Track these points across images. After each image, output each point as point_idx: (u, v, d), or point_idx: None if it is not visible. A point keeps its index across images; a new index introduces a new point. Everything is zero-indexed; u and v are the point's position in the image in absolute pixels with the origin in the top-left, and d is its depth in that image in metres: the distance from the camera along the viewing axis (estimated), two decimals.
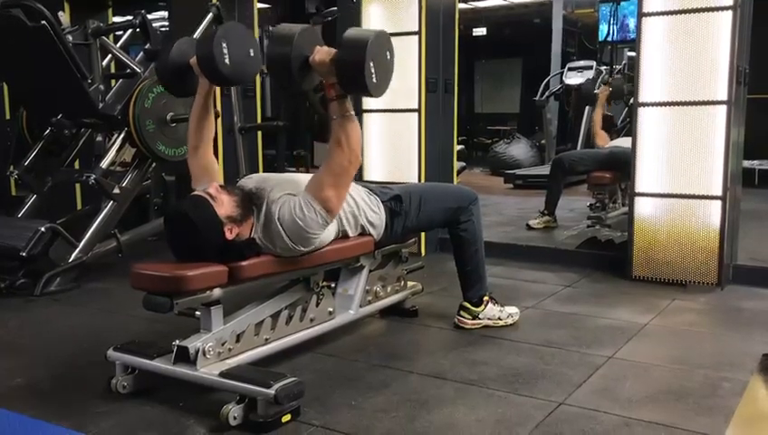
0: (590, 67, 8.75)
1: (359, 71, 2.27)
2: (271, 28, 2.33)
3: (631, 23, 9.59)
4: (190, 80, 2.62)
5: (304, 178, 2.72)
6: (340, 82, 2.35)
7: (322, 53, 2.34)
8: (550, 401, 2.32)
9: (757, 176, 7.73)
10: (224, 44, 2.45)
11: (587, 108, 7.76)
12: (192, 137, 2.69)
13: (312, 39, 2.37)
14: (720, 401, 2.33)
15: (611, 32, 9.49)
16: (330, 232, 2.61)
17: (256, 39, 2.66)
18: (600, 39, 10.91)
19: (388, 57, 2.42)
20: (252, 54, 2.59)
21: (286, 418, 2.15)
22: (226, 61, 2.46)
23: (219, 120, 4.99)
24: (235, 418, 2.12)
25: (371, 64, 2.28)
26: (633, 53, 7.90)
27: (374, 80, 2.31)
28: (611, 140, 6.47)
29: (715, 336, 3.11)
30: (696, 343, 2.98)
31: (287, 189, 2.53)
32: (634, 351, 2.83)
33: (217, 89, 3.52)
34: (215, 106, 4.81)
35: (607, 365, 2.66)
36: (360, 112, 4.90)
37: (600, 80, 8.41)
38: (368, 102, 4.74)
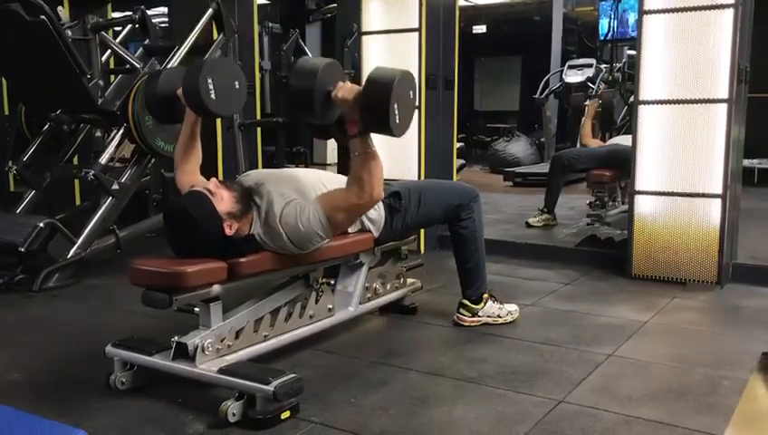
0: (591, 65, 8.73)
1: (383, 112, 2.26)
2: (295, 62, 2.33)
3: (631, 17, 9.57)
4: (177, 109, 2.67)
5: (304, 173, 2.72)
6: (362, 120, 2.33)
7: (345, 90, 2.32)
8: (549, 398, 2.32)
9: (757, 175, 7.73)
10: (209, 79, 2.49)
11: (587, 104, 7.76)
12: (180, 162, 2.71)
13: (335, 74, 2.37)
14: (720, 399, 2.32)
15: (611, 27, 9.46)
16: (327, 238, 2.61)
17: (241, 72, 2.68)
18: (600, 37, 10.90)
19: (411, 96, 2.41)
20: (237, 87, 2.65)
21: (285, 414, 2.14)
22: (212, 96, 2.50)
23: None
24: (233, 414, 2.12)
25: (395, 105, 2.27)
26: (633, 52, 7.90)
27: (397, 120, 2.30)
28: (611, 138, 6.48)
29: (714, 335, 3.11)
30: (695, 342, 2.98)
31: (289, 188, 2.52)
32: (634, 349, 2.82)
33: None
34: None
35: (606, 363, 2.66)
36: None
37: (600, 77, 8.42)
38: None
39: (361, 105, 2.30)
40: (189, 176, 2.69)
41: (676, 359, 2.72)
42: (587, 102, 6.41)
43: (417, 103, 2.45)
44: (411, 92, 2.40)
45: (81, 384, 2.46)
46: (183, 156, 2.70)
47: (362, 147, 2.38)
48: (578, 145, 6.96)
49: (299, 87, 2.33)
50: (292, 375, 2.18)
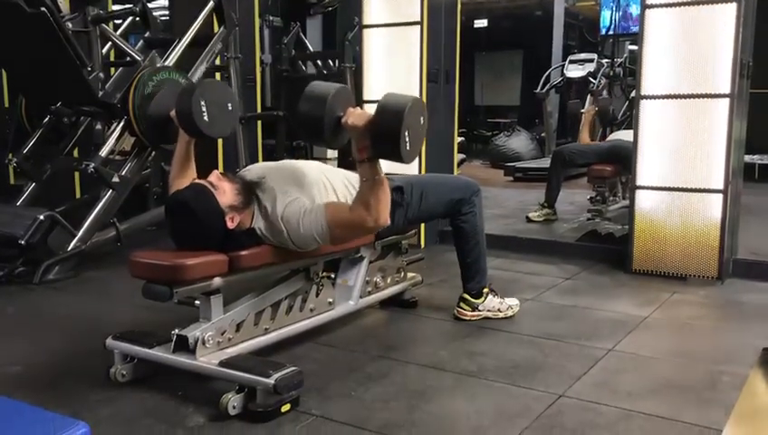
0: (592, 60, 8.73)
1: (394, 140, 2.25)
2: (306, 89, 2.33)
3: (633, 9, 9.54)
4: (170, 130, 2.69)
5: (308, 167, 2.70)
6: (372, 147, 2.33)
7: (356, 116, 2.31)
8: (549, 393, 2.32)
9: (757, 170, 7.72)
10: (202, 102, 2.51)
11: (588, 99, 7.76)
12: (174, 181, 2.69)
13: (345, 100, 2.36)
14: (720, 394, 2.33)
15: (614, 19, 9.45)
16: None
17: (233, 94, 2.69)
18: (601, 32, 10.89)
19: (422, 122, 2.40)
20: (230, 109, 2.67)
21: (285, 407, 2.15)
22: (205, 118, 2.53)
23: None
24: (234, 407, 2.12)
25: (406, 133, 2.26)
26: (634, 47, 7.89)
27: (407, 148, 2.29)
28: (611, 132, 6.47)
29: (714, 330, 3.11)
30: (696, 337, 2.98)
31: (292, 184, 2.52)
32: (634, 343, 2.82)
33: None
34: None
35: (607, 358, 2.66)
36: (360, 103, 4.89)
37: (601, 73, 8.41)
38: (368, 93, 4.72)
39: (372, 133, 2.29)
40: None
41: (676, 354, 2.72)
42: (583, 110, 6.40)
43: (426, 129, 2.44)
44: (421, 118, 2.40)
45: (81, 376, 2.46)
46: (178, 175, 2.70)
47: (371, 173, 2.37)
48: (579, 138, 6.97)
49: (309, 113, 2.32)
50: (293, 368, 2.18)
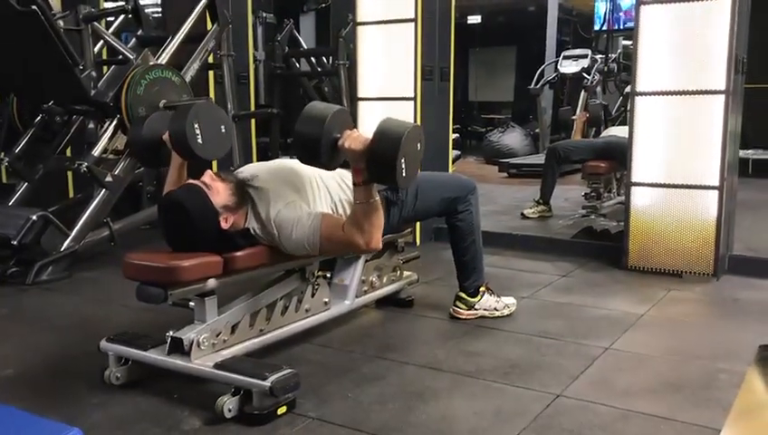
0: (586, 56, 8.71)
1: (390, 167, 2.24)
2: (304, 109, 2.31)
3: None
4: (163, 153, 2.68)
5: (300, 167, 2.68)
6: (368, 172, 2.31)
7: (353, 140, 2.28)
8: (547, 392, 2.31)
9: (751, 165, 7.73)
10: (196, 124, 2.51)
11: (582, 95, 7.75)
12: None
13: (342, 121, 2.34)
14: (717, 392, 2.32)
15: (607, 13, 9.44)
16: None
17: (227, 116, 2.68)
18: (595, 27, 10.88)
19: (419, 148, 2.39)
20: (224, 131, 2.66)
21: (282, 410, 2.13)
22: (199, 140, 2.52)
23: None
24: (229, 410, 2.10)
25: (402, 160, 2.25)
26: (628, 42, 7.89)
27: (404, 174, 2.28)
28: (606, 128, 6.46)
29: (711, 327, 3.11)
30: (692, 334, 2.97)
31: (286, 186, 2.50)
32: (631, 342, 2.82)
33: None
34: (207, 95, 4.77)
35: (604, 356, 2.65)
36: (354, 100, 4.87)
37: (595, 68, 8.40)
38: (362, 90, 4.70)
39: (368, 158, 2.28)
40: None
41: (673, 352, 2.71)
42: (574, 117, 6.40)
43: (422, 153, 2.43)
44: (419, 144, 2.39)
45: (75, 379, 2.44)
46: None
47: (366, 196, 2.35)
48: (573, 131, 6.96)
49: (306, 134, 2.30)
50: (289, 370, 2.16)
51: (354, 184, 2.36)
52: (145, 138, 2.68)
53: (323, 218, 2.42)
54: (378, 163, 2.27)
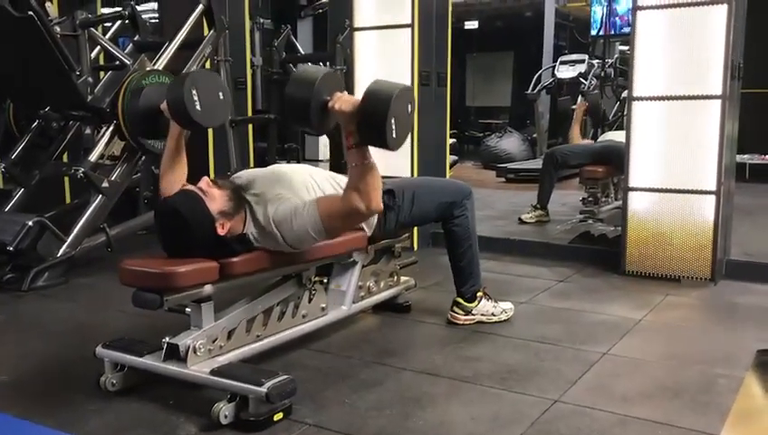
0: (582, 61, 8.75)
1: (380, 127, 2.24)
2: (293, 69, 2.31)
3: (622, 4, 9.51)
4: (160, 124, 2.66)
5: (292, 170, 2.68)
6: (359, 133, 2.30)
7: (343, 102, 2.28)
8: (545, 398, 2.30)
9: (748, 170, 7.74)
10: (194, 91, 2.48)
11: (579, 99, 7.77)
12: (165, 175, 2.66)
13: (332, 84, 2.33)
14: (716, 397, 2.31)
15: (604, 14, 9.45)
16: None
17: (224, 83, 2.66)
18: (592, 32, 10.89)
19: (409, 110, 2.38)
20: (222, 98, 2.64)
21: (278, 416, 2.12)
22: (197, 107, 2.49)
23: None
24: (225, 416, 2.09)
25: (392, 120, 2.24)
26: (625, 47, 7.91)
27: (393, 135, 2.28)
28: (603, 133, 6.48)
29: (709, 332, 3.10)
30: (690, 339, 2.96)
31: (281, 187, 2.49)
32: (628, 347, 2.81)
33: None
34: None
35: (601, 362, 2.64)
36: None
37: (591, 73, 8.43)
38: (358, 95, 4.68)
39: (358, 119, 2.27)
40: (175, 186, 2.66)
41: (671, 357, 2.71)
42: (574, 106, 6.40)
43: (414, 117, 2.41)
44: (409, 106, 2.38)
45: (70, 386, 2.43)
46: (169, 169, 2.66)
47: (359, 158, 2.34)
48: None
49: (296, 96, 2.29)
50: (285, 376, 2.15)
51: (347, 148, 2.35)
52: (142, 109, 2.66)
53: (318, 201, 2.43)
54: (368, 124, 2.26)
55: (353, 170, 2.36)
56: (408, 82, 4.49)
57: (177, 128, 2.62)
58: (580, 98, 7.61)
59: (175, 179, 2.65)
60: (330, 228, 2.44)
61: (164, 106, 2.58)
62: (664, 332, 3.06)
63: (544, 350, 2.77)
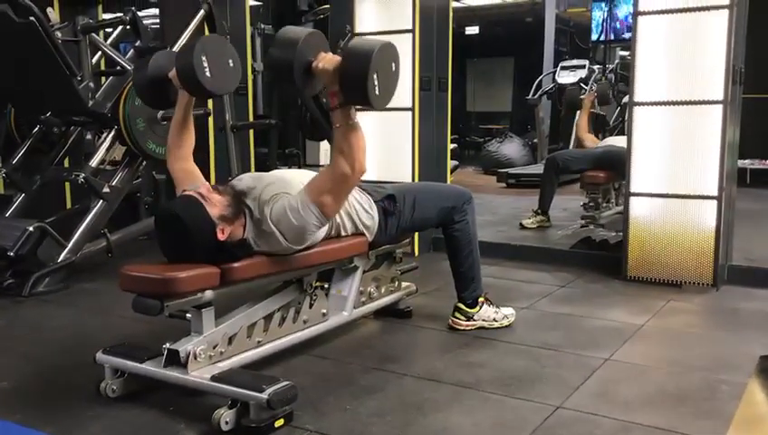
0: (583, 66, 8.73)
1: (362, 82, 2.22)
2: (272, 32, 2.28)
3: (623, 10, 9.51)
4: (168, 93, 2.61)
5: (296, 174, 2.68)
6: (342, 92, 2.30)
7: (326, 60, 2.28)
8: (547, 404, 2.29)
9: (749, 175, 7.74)
10: (203, 57, 2.44)
11: (582, 97, 7.74)
12: (172, 147, 2.65)
13: (316, 44, 2.31)
14: (719, 403, 2.30)
15: (604, 18, 9.45)
16: (323, 231, 2.57)
17: (234, 50, 2.63)
18: (592, 38, 10.91)
19: (393, 69, 2.36)
20: (232, 65, 2.60)
21: (279, 423, 2.11)
22: (207, 73, 2.45)
23: (210, 118, 4.94)
24: (226, 423, 2.08)
25: (375, 76, 2.23)
26: (625, 53, 7.91)
27: (376, 92, 2.26)
28: (604, 139, 6.47)
29: (711, 338, 3.09)
30: (692, 345, 2.95)
31: (279, 189, 2.49)
32: (631, 352, 2.80)
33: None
34: (205, 105, 4.76)
35: (604, 367, 2.63)
36: None
37: (592, 78, 8.42)
38: None
39: (341, 76, 2.25)
40: (182, 162, 2.65)
41: (673, 363, 2.70)
42: (582, 96, 6.37)
43: (398, 76, 2.40)
44: (393, 64, 2.35)
45: (70, 392, 2.42)
46: (176, 141, 2.64)
47: (343, 119, 2.33)
48: (572, 140, 6.97)
49: (280, 57, 2.26)
50: (286, 382, 2.14)
51: (331, 109, 2.33)
52: (151, 76, 2.61)
53: (305, 188, 2.42)
54: (350, 80, 2.25)
55: (337, 132, 2.35)
56: (410, 88, 4.49)
57: (185, 97, 2.58)
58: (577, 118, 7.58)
59: (182, 154, 2.64)
60: (325, 206, 2.41)
61: (173, 74, 2.52)
62: (666, 337, 3.05)
63: (546, 355, 2.76)
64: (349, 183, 2.45)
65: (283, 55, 2.26)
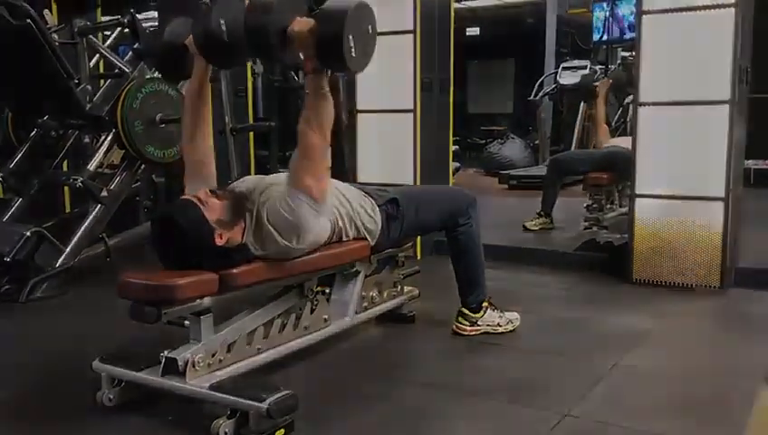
0: (585, 67, 8.68)
1: (336, 44, 2.15)
2: None
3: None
4: (184, 63, 2.51)
5: None
6: (317, 56, 2.22)
7: (301, 23, 2.21)
8: (554, 412, 2.24)
9: (753, 175, 7.68)
10: (222, 21, 2.33)
11: (582, 106, 7.70)
12: (187, 126, 2.56)
13: (293, 8, 2.22)
14: (730, 410, 2.25)
15: (606, 18, 9.37)
16: (324, 228, 2.51)
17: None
18: (594, 39, 10.84)
19: (370, 31, 2.29)
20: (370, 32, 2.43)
21: (280, 433, 2.06)
22: (225, 38, 2.34)
23: (210, 120, 4.89)
24: (226, 433, 2.03)
25: (350, 38, 2.16)
26: (627, 54, 7.86)
27: (353, 54, 2.18)
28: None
29: (720, 342, 3.04)
30: (701, 349, 2.90)
31: (278, 190, 2.44)
32: (638, 358, 2.74)
33: None
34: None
35: (611, 373, 2.58)
36: (353, 113, 4.81)
37: (594, 78, 8.37)
38: (361, 103, 4.65)
39: (315, 39, 2.18)
40: (198, 151, 2.56)
41: (682, 368, 2.64)
42: (596, 83, 6.26)
43: (376, 39, 2.33)
44: (370, 27, 2.29)
45: (67, 401, 2.37)
46: (191, 119, 2.54)
47: (314, 86, 2.28)
48: (574, 142, 6.90)
49: (253, 23, 2.18)
50: (287, 391, 2.08)
51: (306, 74, 2.28)
52: (166, 44, 2.52)
53: (287, 181, 2.38)
54: (325, 42, 2.17)
55: (307, 99, 2.30)
56: (411, 89, 4.44)
57: (201, 66, 2.49)
58: (579, 120, 7.46)
59: (197, 128, 2.55)
60: (308, 187, 2.34)
61: (189, 40, 2.44)
62: (674, 342, 3.00)
63: (552, 361, 2.71)
64: (317, 152, 2.35)
65: (257, 20, 2.18)
